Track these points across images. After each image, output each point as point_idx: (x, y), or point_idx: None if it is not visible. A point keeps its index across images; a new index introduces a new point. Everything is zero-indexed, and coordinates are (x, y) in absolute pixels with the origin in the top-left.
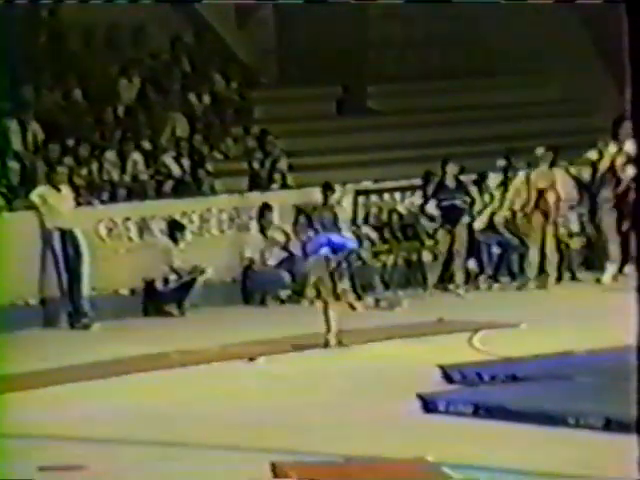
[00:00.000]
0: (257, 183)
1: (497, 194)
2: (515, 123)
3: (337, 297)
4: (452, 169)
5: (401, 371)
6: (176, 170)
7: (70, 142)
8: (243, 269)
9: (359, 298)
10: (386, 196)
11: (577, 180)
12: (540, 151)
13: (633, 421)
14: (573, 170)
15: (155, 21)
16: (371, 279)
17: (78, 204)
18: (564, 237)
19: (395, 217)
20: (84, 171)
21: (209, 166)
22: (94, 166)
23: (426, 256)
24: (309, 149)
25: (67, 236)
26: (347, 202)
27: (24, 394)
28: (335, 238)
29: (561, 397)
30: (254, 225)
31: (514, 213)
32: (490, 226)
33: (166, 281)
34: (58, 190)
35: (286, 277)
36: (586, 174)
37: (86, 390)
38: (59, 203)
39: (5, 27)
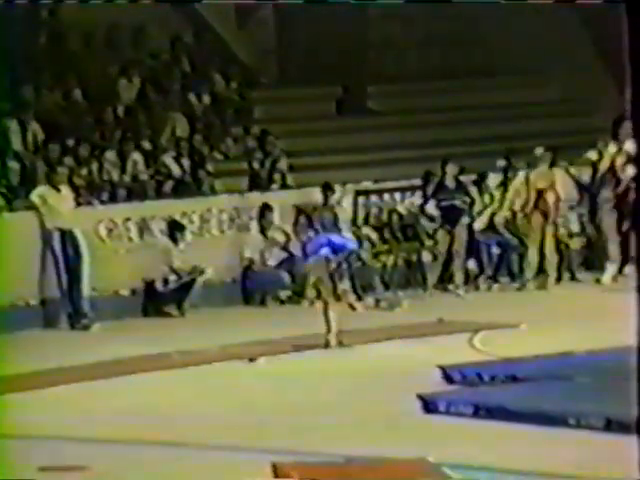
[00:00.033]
0: (257, 183)
1: (497, 194)
2: (515, 123)
3: (337, 297)
4: (452, 169)
5: (401, 371)
6: (176, 170)
7: (70, 142)
8: (243, 269)
9: (359, 299)
10: (386, 196)
11: (577, 180)
12: (539, 151)
13: (633, 421)
14: (573, 170)
15: (155, 21)
16: (371, 279)
17: (78, 204)
18: (564, 237)
19: (395, 217)
20: (84, 171)
21: (209, 166)
22: (94, 166)
23: (426, 256)
24: (309, 149)
25: (67, 236)
26: (347, 202)
27: (24, 395)
28: (335, 239)
29: (561, 397)
30: (254, 225)
31: (514, 213)
32: (490, 226)
33: (166, 281)
34: (58, 190)
35: (286, 277)
36: (586, 174)
37: (86, 390)
38: (59, 203)
39: (5, 27)
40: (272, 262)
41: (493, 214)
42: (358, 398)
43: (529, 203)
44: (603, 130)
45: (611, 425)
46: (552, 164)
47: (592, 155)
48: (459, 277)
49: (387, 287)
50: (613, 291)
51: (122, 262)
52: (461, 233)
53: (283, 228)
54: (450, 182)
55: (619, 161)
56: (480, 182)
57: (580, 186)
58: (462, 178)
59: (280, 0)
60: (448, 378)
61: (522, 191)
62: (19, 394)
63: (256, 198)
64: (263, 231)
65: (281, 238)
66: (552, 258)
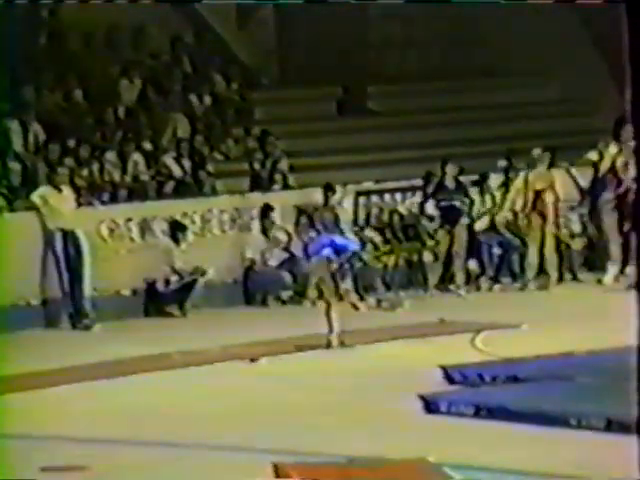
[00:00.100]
0: (258, 184)
1: (498, 195)
2: (515, 123)
3: (340, 297)
4: (451, 170)
5: (403, 372)
6: (177, 171)
7: (71, 143)
8: (244, 270)
9: (361, 299)
10: (387, 197)
11: (578, 181)
12: (537, 152)
13: (634, 422)
14: (574, 171)
15: (155, 22)
16: (372, 280)
17: (79, 205)
18: (565, 238)
19: (396, 218)
20: (85, 172)
21: (210, 167)
22: (95, 167)
23: (427, 257)
24: (310, 150)
25: (68, 237)
26: (348, 203)
27: (26, 394)
28: (338, 239)
29: (562, 398)
30: (255, 226)
31: (515, 214)
32: (491, 227)
33: (167, 282)
34: (59, 191)
35: (287, 278)
36: (587, 175)
37: (88, 391)
38: (60, 204)
39: (5, 27)
40: (273, 262)
41: (494, 214)
42: (359, 398)
43: (527, 204)
44: (604, 130)
45: (612, 425)
46: (551, 165)
47: (593, 156)
48: (460, 277)
49: (388, 287)
50: (614, 291)
51: (123, 262)
52: (461, 233)
53: (285, 228)
54: (450, 182)
55: (620, 162)
56: (481, 182)
57: (581, 187)
58: (462, 179)
59: (280, 0)
60: (449, 378)
61: (521, 192)
62: (20, 394)
63: (257, 198)
64: (265, 231)
65: (283, 238)
66: (552, 259)
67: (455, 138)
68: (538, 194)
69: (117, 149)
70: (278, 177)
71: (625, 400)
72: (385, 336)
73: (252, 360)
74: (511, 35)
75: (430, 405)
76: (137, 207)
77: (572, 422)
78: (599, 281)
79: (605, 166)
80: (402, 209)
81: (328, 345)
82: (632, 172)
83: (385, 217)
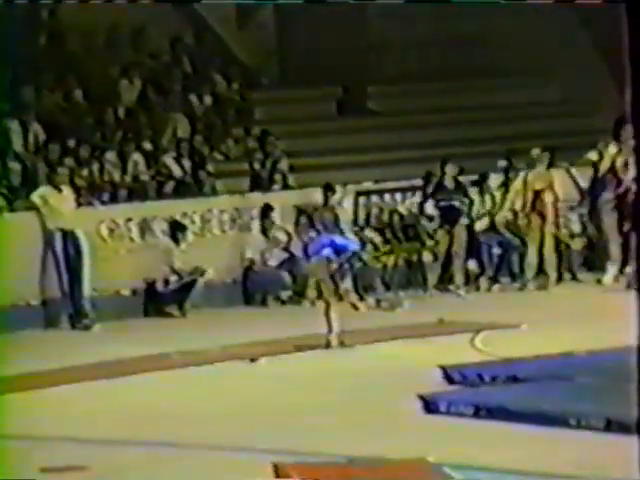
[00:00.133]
0: (258, 184)
1: (498, 195)
2: (515, 124)
3: (340, 297)
4: (451, 170)
5: (402, 372)
6: (177, 171)
7: (71, 143)
8: (244, 270)
9: (361, 299)
10: (387, 197)
11: (578, 181)
12: (536, 152)
13: (634, 422)
14: (574, 171)
15: (155, 22)
16: (372, 280)
17: (79, 205)
18: (565, 238)
19: (396, 218)
20: (85, 172)
21: (210, 167)
22: (95, 167)
23: (426, 257)
24: (310, 150)
25: (68, 237)
26: (348, 203)
27: (25, 395)
28: (338, 240)
29: (562, 398)
30: (255, 226)
31: (515, 214)
32: (491, 227)
33: (167, 282)
34: (59, 191)
35: (287, 278)
36: (587, 175)
37: (87, 391)
38: (60, 204)
39: (5, 27)
40: (273, 262)
41: (494, 214)
42: (359, 398)
43: (527, 204)
44: (603, 131)
45: (611, 425)
46: (550, 165)
47: (593, 156)
48: (459, 277)
49: (388, 287)
50: (614, 291)
51: (123, 262)
52: (460, 233)
53: (285, 228)
54: (449, 183)
55: (620, 162)
56: (481, 182)
57: (581, 187)
58: (462, 179)
59: (280, 0)
60: (449, 378)
61: (520, 192)
62: (20, 394)
63: (257, 199)
64: (265, 231)
65: (283, 238)
66: (551, 259)
67: (455, 138)
68: (537, 194)
69: (117, 149)
70: (278, 177)
71: (625, 400)
72: (384, 336)
73: (252, 360)
74: (511, 35)
75: (430, 405)
76: (137, 207)
77: (572, 422)
78: (599, 281)
79: (605, 166)
80: (402, 209)
81: (327, 345)
82: (632, 172)
83: (385, 217)
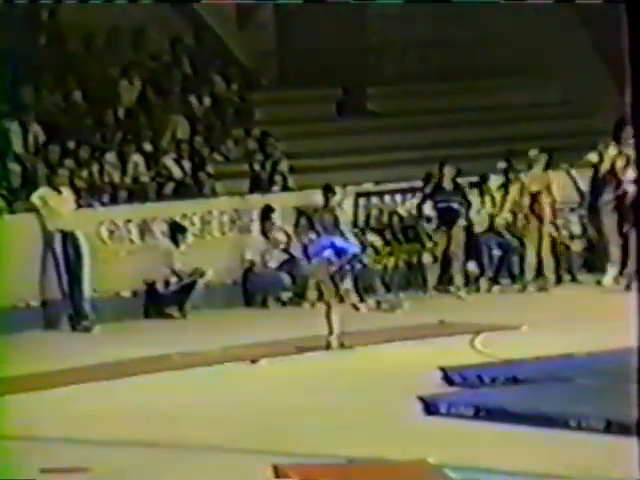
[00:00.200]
0: (258, 185)
1: (498, 196)
2: (515, 125)
3: (340, 298)
4: (449, 171)
5: (402, 373)
6: (177, 172)
7: (71, 144)
8: (244, 271)
9: (361, 300)
10: (387, 198)
11: (577, 182)
12: (533, 153)
13: (634, 423)
14: (574, 172)
15: (155, 23)
16: (372, 281)
17: (79, 206)
18: (565, 239)
19: (396, 219)
20: (85, 173)
21: (210, 168)
22: (95, 168)
23: (426, 258)
24: (310, 151)
25: (68, 238)
26: (348, 204)
27: (25, 396)
28: (338, 242)
29: (562, 399)
30: (255, 227)
31: (515, 215)
32: (491, 228)
33: (167, 283)
34: (59, 192)
35: (287, 279)
36: (587, 176)
37: (88, 392)
38: (60, 205)
39: (5, 28)
40: (273, 264)
41: (494, 216)
42: (359, 400)
43: (524, 206)
44: (603, 132)
45: (611, 427)
46: (548, 166)
47: (592, 157)
48: (459, 279)
49: (388, 289)
50: (614, 293)
51: (123, 264)
52: (458, 234)
53: (285, 229)
54: (447, 184)
55: (619, 163)
56: (481, 184)
57: (581, 188)
58: (461, 180)
59: (280, 0)
60: (449, 380)
61: (517, 194)
62: (20, 395)
63: (257, 200)
64: (265, 233)
65: (283, 239)
66: (548, 260)
67: (455, 139)
68: (534, 196)
69: (117, 150)
70: (278, 178)
71: (625, 402)
72: (384, 337)
73: (252, 361)
74: (511, 35)
75: (430, 406)
76: (137, 208)
77: (572, 424)
78: (598, 282)
79: (605, 167)
80: (402, 210)
81: (328, 346)
82: (632, 173)
83: (385, 218)
